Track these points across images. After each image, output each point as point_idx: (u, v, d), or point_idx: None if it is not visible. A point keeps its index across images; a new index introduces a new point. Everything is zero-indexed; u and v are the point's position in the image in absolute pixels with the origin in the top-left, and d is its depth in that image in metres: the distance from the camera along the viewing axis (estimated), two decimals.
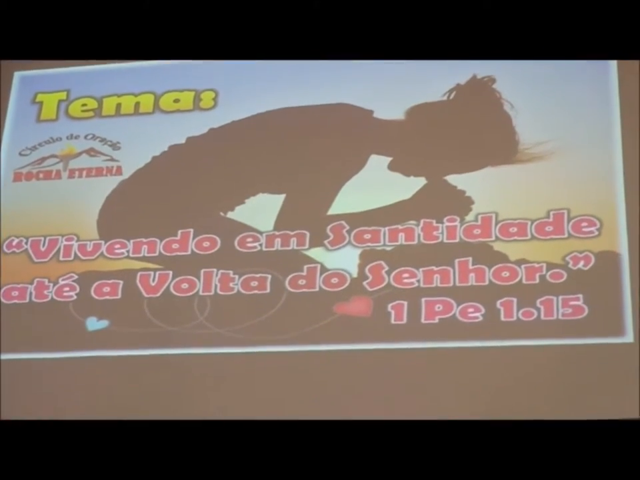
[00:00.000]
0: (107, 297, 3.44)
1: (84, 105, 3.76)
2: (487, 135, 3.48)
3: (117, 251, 3.50)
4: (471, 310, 3.24)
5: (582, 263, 3.25)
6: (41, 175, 3.68)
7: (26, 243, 3.56)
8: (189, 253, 3.45)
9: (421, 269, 3.31)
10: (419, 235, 3.36)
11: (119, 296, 3.43)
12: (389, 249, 3.37)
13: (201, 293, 3.39)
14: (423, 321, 3.25)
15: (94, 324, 3.41)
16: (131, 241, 3.51)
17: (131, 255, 3.49)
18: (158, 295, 3.41)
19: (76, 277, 3.49)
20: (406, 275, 3.32)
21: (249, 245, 3.43)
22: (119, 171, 3.64)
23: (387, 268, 3.33)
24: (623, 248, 3.25)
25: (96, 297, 3.44)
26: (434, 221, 3.37)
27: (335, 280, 3.35)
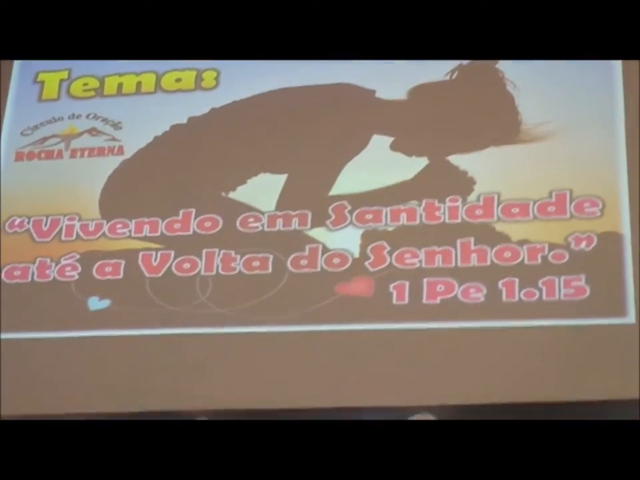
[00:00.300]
0: (109, 277, 3.44)
1: (85, 84, 3.75)
2: (489, 115, 3.47)
3: (118, 231, 3.50)
4: (472, 290, 3.24)
5: (584, 243, 3.25)
6: (43, 155, 3.67)
7: (28, 223, 3.56)
8: (191, 232, 3.45)
9: (422, 249, 3.31)
10: (420, 215, 3.36)
11: (121, 276, 3.43)
12: (390, 229, 3.36)
13: (202, 273, 3.39)
14: (424, 301, 3.25)
15: (96, 304, 3.41)
16: (133, 221, 3.50)
17: (132, 235, 3.49)
18: (160, 274, 3.41)
19: (78, 256, 3.49)
20: (408, 255, 3.31)
21: (251, 225, 3.43)
22: (120, 150, 3.63)
23: (388, 248, 3.33)
24: (626, 229, 3.24)
25: (98, 277, 3.44)
26: (436, 201, 3.37)
27: (336, 260, 3.34)
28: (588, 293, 3.18)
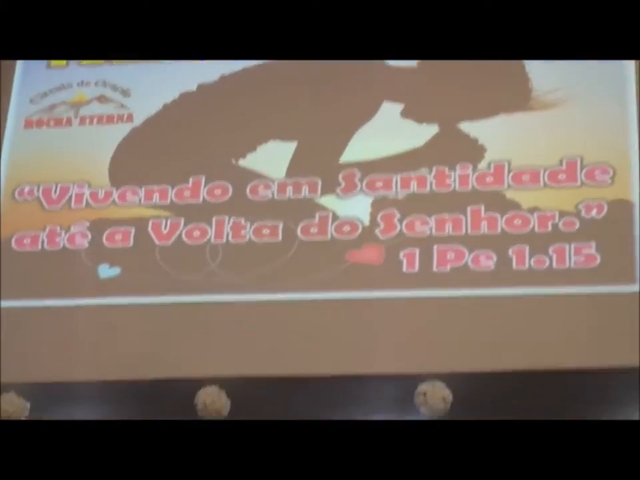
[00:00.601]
0: (119, 245, 3.44)
1: None
2: (499, 82, 3.46)
3: (128, 199, 3.50)
4: (483, 258, 3.24)
5: (595, 211, 3.24)
6: (52, 122, 3.66)
7: (37, 191, 3.56)
8: (201, 200, 3.45)
9: (433, 217, 3.31)
10: (431, 183, 3.35)
11: (131, 243, 3.43)
12: (401, 196, 3.36)
13: (212, 241, 3.39)
14: (434, 269, 3.25)
15: (106, 271, 3.42)
16: (143, 189, 3.50)
17: (142, 203, 3.49)
18: (170, 242, 3.41)
19: (88, 224, 3.48)
20: (418, 223, 3.31)
21: (261, 192, 3.43)
22: (129, 118, 3.62)
23: (398, 216, 3.33)
24: (636, 196, 3.24)
25: (108, 245, 3.44)
26: (446, 169, 3.36)
27: (346, 228, 3.34)
28: (598, 260, 3.18)
